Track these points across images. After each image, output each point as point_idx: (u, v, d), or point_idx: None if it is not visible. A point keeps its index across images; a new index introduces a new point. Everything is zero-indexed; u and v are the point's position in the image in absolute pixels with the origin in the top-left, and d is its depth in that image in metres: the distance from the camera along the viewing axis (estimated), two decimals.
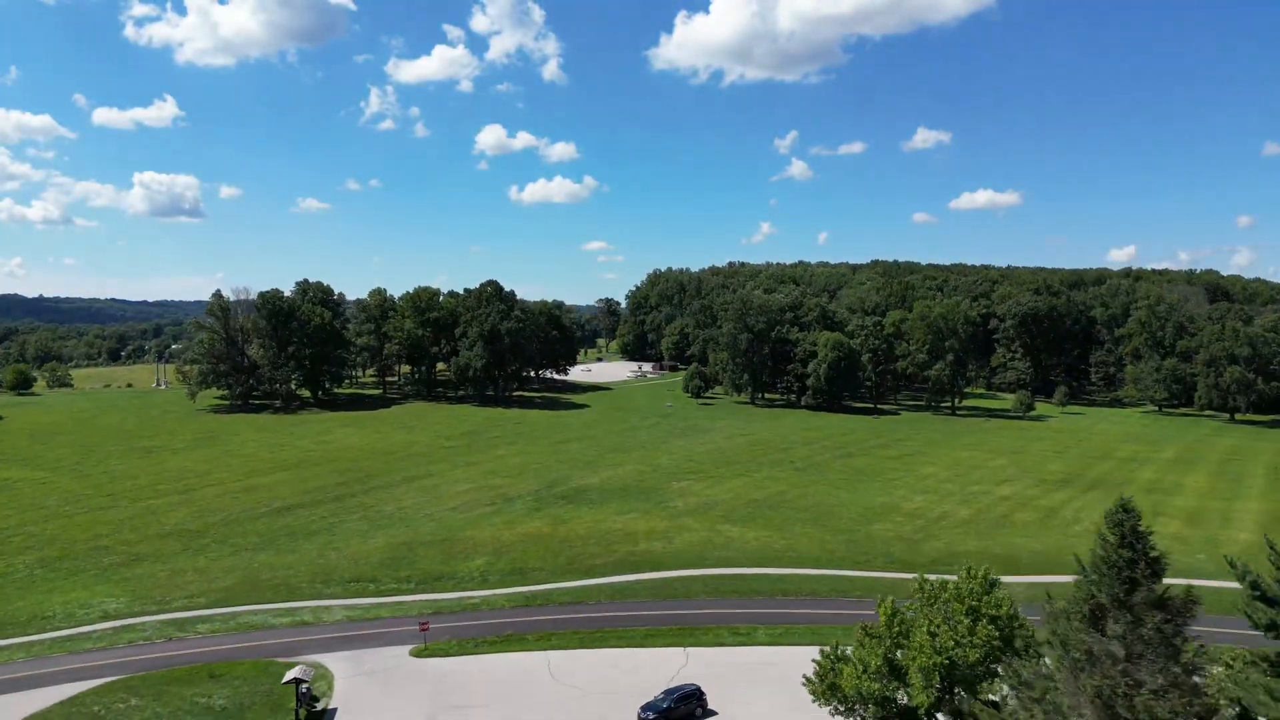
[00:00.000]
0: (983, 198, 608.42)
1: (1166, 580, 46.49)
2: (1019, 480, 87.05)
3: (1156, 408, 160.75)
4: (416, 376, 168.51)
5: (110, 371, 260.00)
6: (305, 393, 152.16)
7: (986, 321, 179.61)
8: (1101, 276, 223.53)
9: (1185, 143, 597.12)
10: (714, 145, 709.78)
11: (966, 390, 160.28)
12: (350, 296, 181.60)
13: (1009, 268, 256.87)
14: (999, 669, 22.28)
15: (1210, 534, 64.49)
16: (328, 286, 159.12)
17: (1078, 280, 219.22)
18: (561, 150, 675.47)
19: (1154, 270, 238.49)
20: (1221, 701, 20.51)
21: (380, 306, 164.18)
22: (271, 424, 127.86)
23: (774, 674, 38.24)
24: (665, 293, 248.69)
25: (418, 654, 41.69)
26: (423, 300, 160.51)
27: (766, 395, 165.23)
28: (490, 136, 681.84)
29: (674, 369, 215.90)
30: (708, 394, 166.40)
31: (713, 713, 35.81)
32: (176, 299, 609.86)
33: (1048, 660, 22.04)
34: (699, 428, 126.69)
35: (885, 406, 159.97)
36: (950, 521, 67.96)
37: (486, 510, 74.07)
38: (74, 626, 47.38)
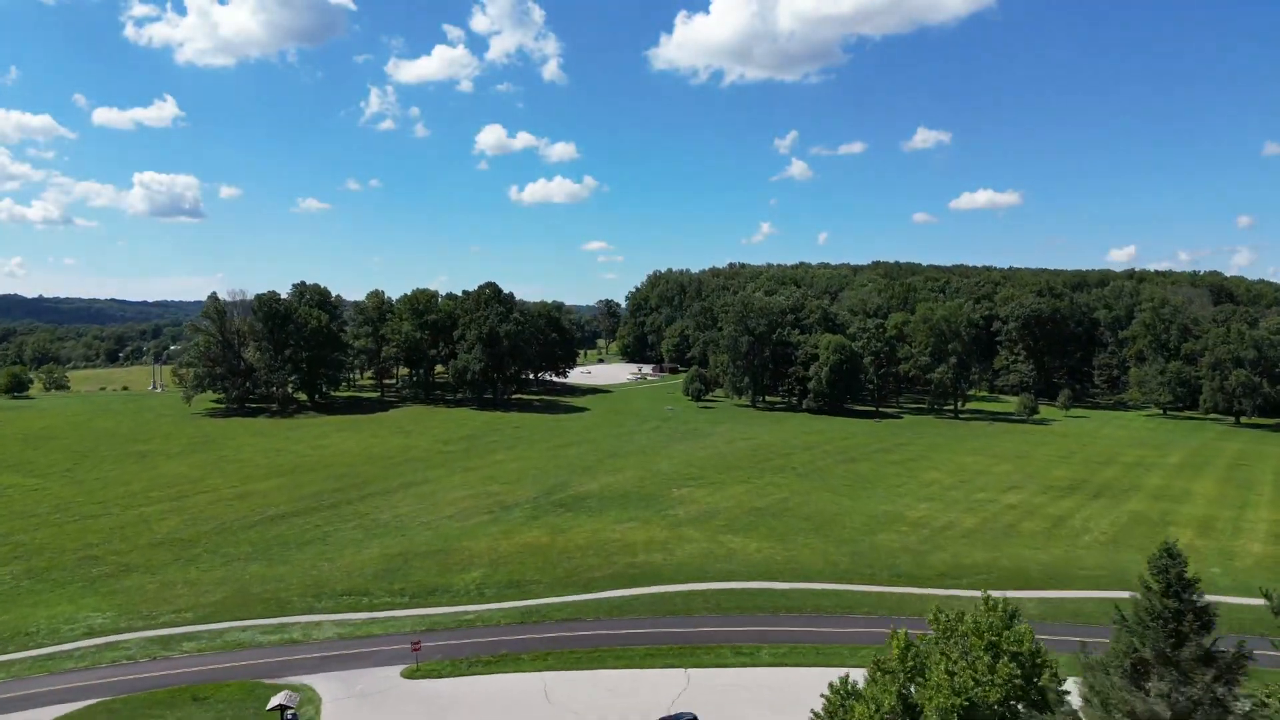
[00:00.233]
0: (983, 198, 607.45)
1: None
2: (1024, 487, 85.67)
3: (1161, 411, 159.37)
4: (414, 379, 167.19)
5: (108, 373, 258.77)
6: (302, 396, 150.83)
7: (989, 324, 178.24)
8: (1105, 278, 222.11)
9: (1185, 143, 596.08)
10: (714, 145, 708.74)
11: (969, 393, 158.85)
12: (350, 297, 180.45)
13: (1011, 269, 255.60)
14: (1020, 708, 20.92)
15: (1223, 545, 63.11)
16: (325, 289, 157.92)
17: (1081, 282, 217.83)
18: (561, 150, 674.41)
19: (1157, 271, 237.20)
20: None
21: (378, 309, 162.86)
22: (267, 428, 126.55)
23: (778, 698, 36.89)
24: (665, 294, 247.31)
25: (410, 675, 40.34)
26: (421, 302, 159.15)
27: (767, 398, 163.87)
28: (490, 136, 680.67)
29: (674, 371, 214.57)
30: (708, 397, 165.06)
31: None
32: (176, 299, 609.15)
33: (1074, 701, 20.69)
34: (699, 432, 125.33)
35: (887, 410, 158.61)
36: (956, 531, 66.57)
37: (484, 519, 72.73)
38: (57, 644, 46.05)
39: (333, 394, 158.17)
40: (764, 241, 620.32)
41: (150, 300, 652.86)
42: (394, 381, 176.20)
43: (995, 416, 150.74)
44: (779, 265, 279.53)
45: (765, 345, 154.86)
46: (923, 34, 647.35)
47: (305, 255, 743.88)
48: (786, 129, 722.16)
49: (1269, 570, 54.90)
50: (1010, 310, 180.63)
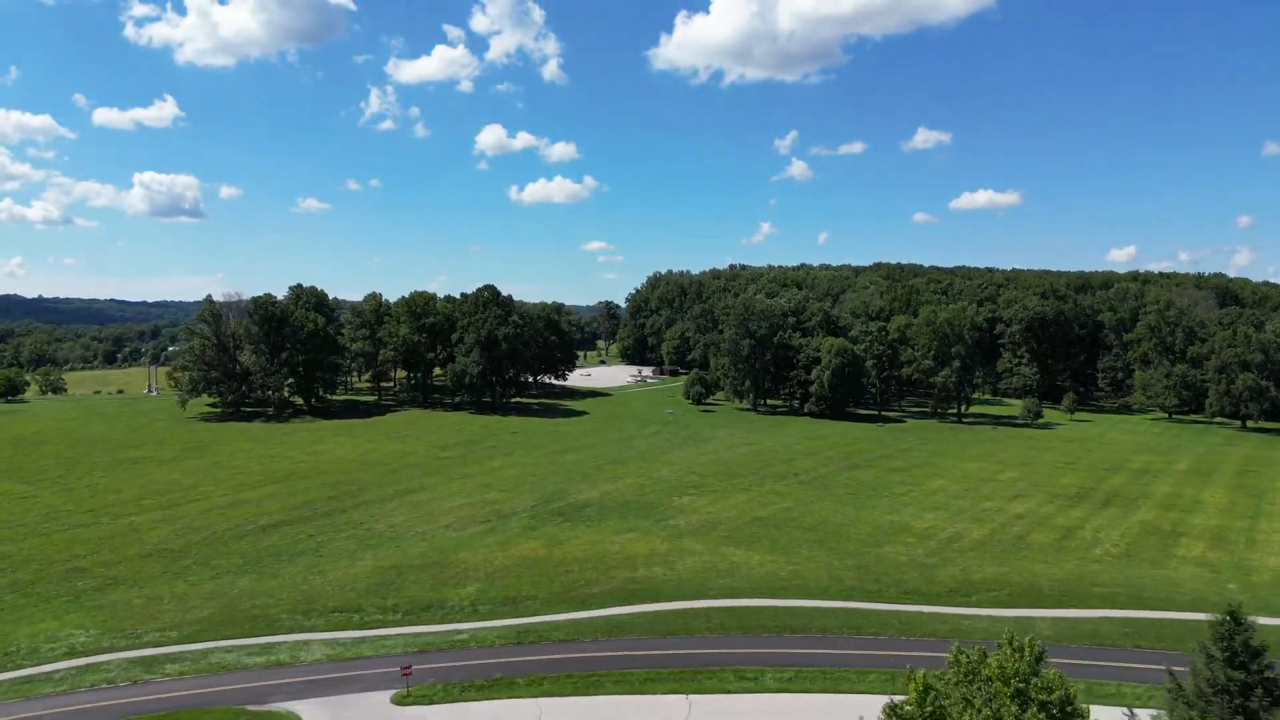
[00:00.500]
0: (983, 198, 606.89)
1: (1200, 615, 43.56)
2: (1031, 495, 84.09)
3: (1166, 414, 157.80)
4: (412, 382, 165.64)
5: (105, 375, 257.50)
6: (298, 400, 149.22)
7: (993, 326, 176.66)
8: (1108, 280, 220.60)
9: (1185, 143, 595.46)
10: (714, 145, 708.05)
11: (973, 397, 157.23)
12: (350, 297, 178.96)
13: (1013, 270, 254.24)
14: None
15: (1237, 558, 61.50)
16: (322, 291, 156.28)
17: (1084, 283, 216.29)
18: (561, 150, 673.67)
19: (1162, 273, 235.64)
20: None
21: (375, 311, 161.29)
22: (263, 433, 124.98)
23: None
24: (665, 296, 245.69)
25: (400, 701, 38.77)
26: (418, 305, 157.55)
27: (769, 402, 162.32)
28: (490, 136, 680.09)
29: (674, 373, 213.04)
30: (709, 400, 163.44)
31: None
32: (176, 299, 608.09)
33: None
34: (700, 437, 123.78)
35: (890, 413, 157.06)
36: (964, 543, 64.98)
37: (480, 529, 71.17)
38: (36, 664, 44.47)
39: (329, 398, 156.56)
40: (764, 241, 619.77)
41: (150, 300, 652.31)
42: (391, 385, 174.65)
43: (999, 420, 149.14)
44: (780, 267, 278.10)
45: (766, 348, 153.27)
46: (923, 34, 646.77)
47: (305, 255, 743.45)
48: (786, 129, 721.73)
49: None
50: (1014, 313, 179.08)
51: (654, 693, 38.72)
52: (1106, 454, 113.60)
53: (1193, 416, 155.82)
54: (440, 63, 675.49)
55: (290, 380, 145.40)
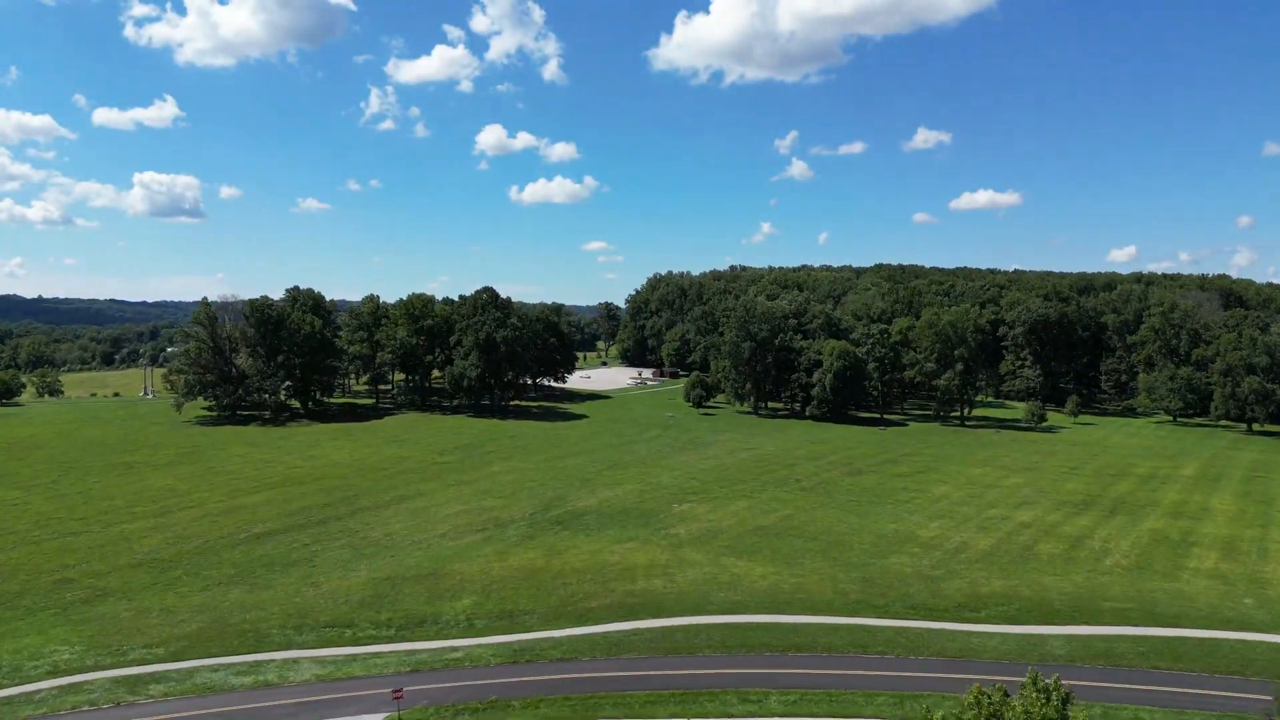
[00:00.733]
0: (983, 198, 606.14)
1: (1216, 633, 42.27)
2: (1037, 503, 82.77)
3: (1170, 418, 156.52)
4: (410, 385, 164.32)
5: (103, 376, 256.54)
6: (295, 403, 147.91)
7: (995, 328, 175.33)
8: (1111, 281, 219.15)
9: (1185, 143, 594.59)
10: (714, 145, 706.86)
11: (976, 399, 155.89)
12: (350, 297, 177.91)
13: (1016, 271, 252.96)
14: None
15: (1250, 570, 60.14)
16: (319, 294, 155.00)
17: (1087, 285, 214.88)
18: (561, 150, 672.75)
19: (1165, 275, 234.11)
20: None
21: (373, 314, 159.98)
22: (259, 437, 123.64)
23: None
24: (666, 297, 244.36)
25: None
26: (416, 307, 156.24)
27: (770, 405, 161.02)
28: (490, 137, 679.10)
29: (675, 376, 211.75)
30: (709, 403, 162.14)
31: None
32: (176, 300, 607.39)
33: None
34: (701, 441, 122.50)
35: (892, 416, 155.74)
36: (970, 554, 63.66)
37: (477, 538, 69.86)
38: (18, 684, 43.14)
39: (326, 401, 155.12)
40: (764, 241, 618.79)
41: (150, 301, 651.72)
42: (389, 387, 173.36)
43: (1002, 424, 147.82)
44: (780, 268, 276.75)
45: (767, 351, 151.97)
46: (923, 34, 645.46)
47: (305, 256, 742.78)
48: (787, 129, 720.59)
49: None
50: (1016, 315, 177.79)
51: (655, 716, 37.42)
52: (1112, 459, 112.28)
53: (1197, 419, 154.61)
54: (440, 63, 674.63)
55: (287, 383, 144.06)
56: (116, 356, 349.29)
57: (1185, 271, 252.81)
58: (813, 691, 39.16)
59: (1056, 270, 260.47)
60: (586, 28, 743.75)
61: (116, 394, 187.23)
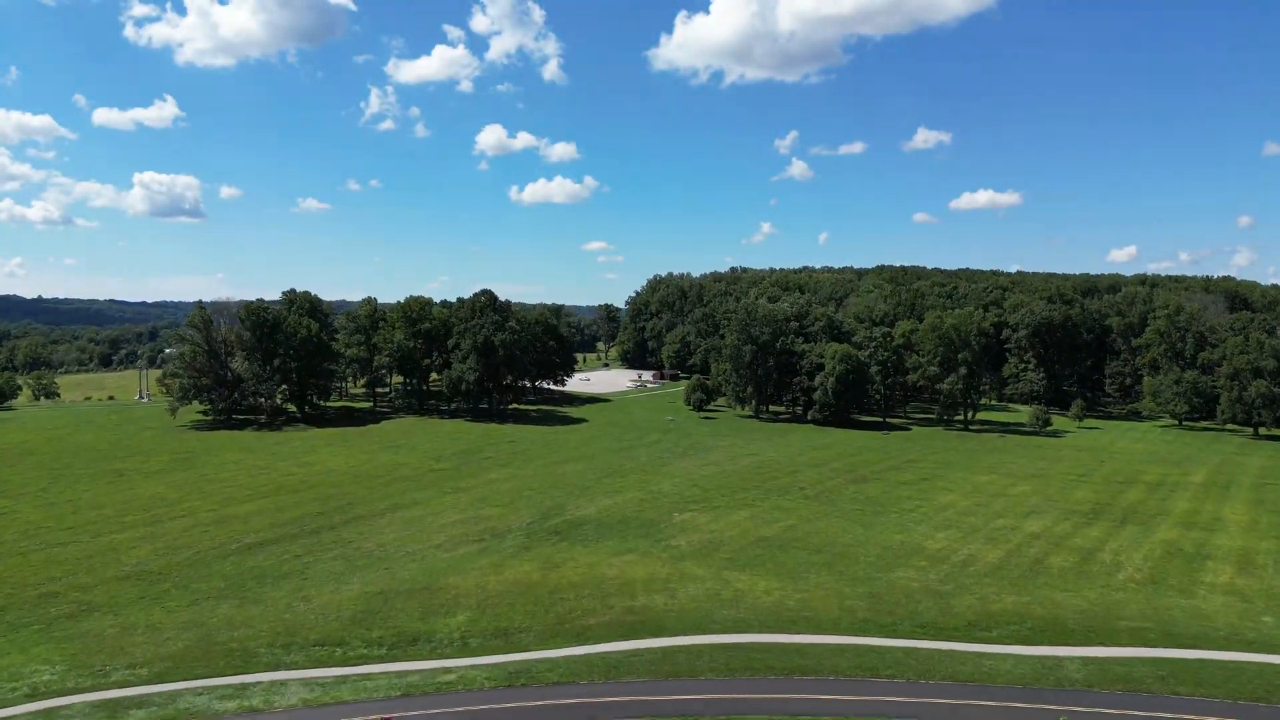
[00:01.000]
0: (983, 198, 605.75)
1: (1238, 655, 40.54)
2: (1046, 512, 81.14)
3: (1176, 421, 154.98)
4: (408, 389, 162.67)
5: (100, 378, 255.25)
6: (292, 407, 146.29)
7: (998, 331, 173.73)
8: (1115, 283, 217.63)
9: (1185, 143, 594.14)
10: (714, 145, 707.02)
11: (980, 403, 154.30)
12: (350, 297, 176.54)
13: (1019, 273, 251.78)
14: None
15: (1268, 585, 58.48)
16: (315, 296, 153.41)
17: (1090, 287, 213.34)
18: (562, 150, 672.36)
19: (1169, 277, 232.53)
20: None
21: (370, 317, 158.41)
22: (254, 442, 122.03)
23: None
24: (666, 299, 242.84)
25: None
26: (414, 310, 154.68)
27: (771, 408, 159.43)
28: (490, 137, 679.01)
29: (675, 378, 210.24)
30: (710, 407, 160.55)
31: None
32: (176, 300, 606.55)
33: None
34: (701, 446, 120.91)
35: (894, 420, 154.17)
36: (979, 567, 62.03)
37: (473, 549, 68.24)
38: None
39: (323, 405, 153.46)
40: (764, 241, 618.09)
41: (150, 301, 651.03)
42: (387, 391, 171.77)
43: (1006, 428, 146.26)
44: (782, 270, 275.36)
45: (769, 354, 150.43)
46: (923, 34, 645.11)
47: (305, 256, 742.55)
48: (786, 129, 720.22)
49: None
50: (1020, 317, 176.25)
51: None
52: (1119, 465, 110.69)
53: (1203, 423, 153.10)
54: (440, 63, 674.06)
55: (283, 387, 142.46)
56: (114, 358, 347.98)
57: (1186, 272, 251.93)
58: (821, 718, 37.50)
59: (1058, 271, 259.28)
60: (586, 28, 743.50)
61: (111, 397, 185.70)
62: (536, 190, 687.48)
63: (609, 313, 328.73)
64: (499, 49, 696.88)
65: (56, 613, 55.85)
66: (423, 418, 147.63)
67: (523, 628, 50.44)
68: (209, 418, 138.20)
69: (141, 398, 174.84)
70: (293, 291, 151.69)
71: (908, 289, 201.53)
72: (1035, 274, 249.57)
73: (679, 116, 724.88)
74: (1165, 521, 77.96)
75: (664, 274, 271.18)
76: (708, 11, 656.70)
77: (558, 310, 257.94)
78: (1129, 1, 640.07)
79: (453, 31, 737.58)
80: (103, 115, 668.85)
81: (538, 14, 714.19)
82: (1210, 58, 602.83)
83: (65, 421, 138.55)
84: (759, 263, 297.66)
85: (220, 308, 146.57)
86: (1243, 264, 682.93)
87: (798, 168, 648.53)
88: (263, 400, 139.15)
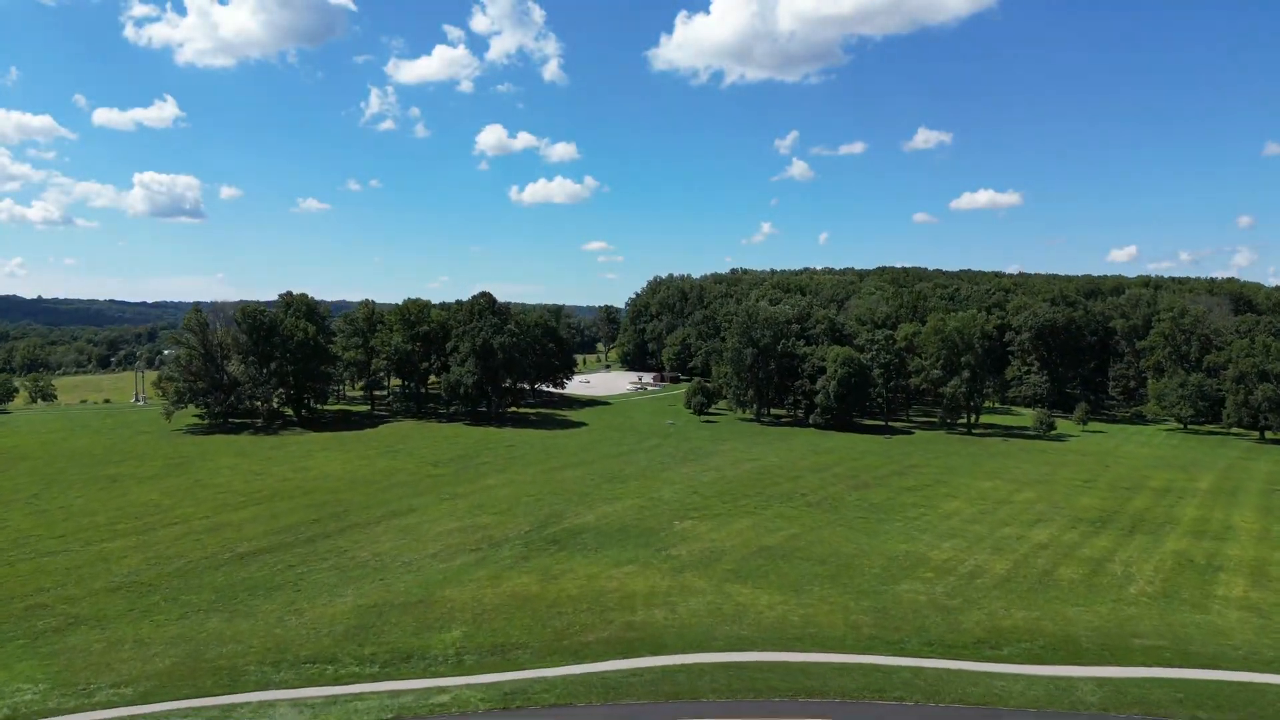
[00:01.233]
0: (983, 198, 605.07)
1: (1258, 675, 39.13)
2: (1052, 520, 79.77)
3: (1181, 425, 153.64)
4: (406, 392, 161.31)
5: (98, 380, 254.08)
6: (288, 411, 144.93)
7: (1001, 333, 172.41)
8: (1119, 285, 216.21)
9: (1185, 143, 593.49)
10: (714, 145, 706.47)
11: (983, 406, 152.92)
12: (350, 298, 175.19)
13: (1021, 274, 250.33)
14: None
15: None
16: (312, 299, 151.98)
17: (1094, 289, 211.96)
18: (562, 150, 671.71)
19: (1174, 279, 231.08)
20: None
21: (368, 319, 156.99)
22: (249, 447, 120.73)
23: None
24: (666, 300, 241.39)
25: None
26: (412, 313, 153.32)
27: (773, 412, 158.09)
28: (490, 137, 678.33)
29: (675, 381, 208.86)
30: (710, 410, 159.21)
31: None
32: (176, 300, 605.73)
33: None
34: (702, 451, 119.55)
35: (897, 424, 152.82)
36: (987, 579, 60.66)
37: (470, 559, 66.88)
38: None
39: (320, 408, 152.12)
40: (765, 241, 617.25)
41: (150, 301, 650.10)
42: (385, 394, 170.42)
43: (1010, 432, 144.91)
44: (782, 271, 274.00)
45: (770, 357, 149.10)
46: (923, 34, 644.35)
47: (305, 256, 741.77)
48: (787, 129, 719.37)
49: None
50: (1023, 319, 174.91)
51: None
52: (1125, 470, 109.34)
53: (1208, 427, 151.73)
54: (440, 63, 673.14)
55: (280, 390, 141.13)
56: (113, 359, 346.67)
57: (1187, 273, 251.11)
58: None
59: (1059, 272, 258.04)
60: (586, 28, 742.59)
61: (107, 400, 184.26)
62: (536, 190, 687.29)
63: (609, 314, 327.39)
64: (499, 49, 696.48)
65: (43, 626, 54.49)
66: (420, 421, 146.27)
67: (520, 644, 49.09)
68: (204, 421, 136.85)
69: (137, 400, 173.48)
70: (289, 293, 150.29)
71: (909, 291, 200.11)
72: (1038, 275, 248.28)
73: (679, 116, 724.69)
74: (1174, 530, 76.59)
75: (664, 275, 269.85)
76: (708, 12, 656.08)
77: (557, 311, 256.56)
78: (1129, 1, 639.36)
79: (453, 31, 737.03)
80: (103, 115, 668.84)
81: (538, 14, 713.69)
82: (1210, 58, 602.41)
83: (60, 425, 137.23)
84: (759, 263, 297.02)
85: (216, 310, 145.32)
86: (1243, 264, 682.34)
87: (798, 168, 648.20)
88: (259, 404, 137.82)
